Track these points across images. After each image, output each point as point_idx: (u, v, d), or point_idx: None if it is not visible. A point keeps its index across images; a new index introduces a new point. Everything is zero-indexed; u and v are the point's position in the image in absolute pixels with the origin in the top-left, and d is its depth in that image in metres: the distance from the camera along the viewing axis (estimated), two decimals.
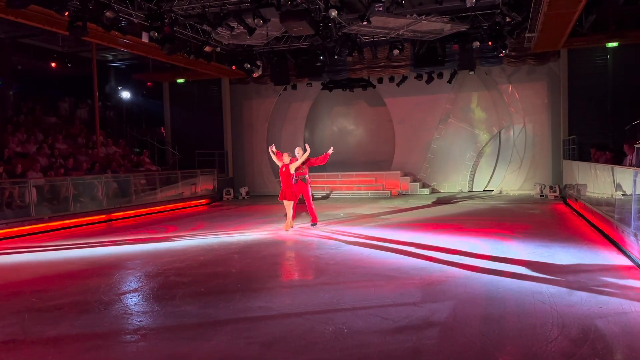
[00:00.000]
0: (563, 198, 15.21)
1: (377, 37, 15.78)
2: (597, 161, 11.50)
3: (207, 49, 14.82)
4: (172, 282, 6.64)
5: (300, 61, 17.43)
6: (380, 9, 11.69)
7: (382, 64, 17.47)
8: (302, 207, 11.35)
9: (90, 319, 5.17)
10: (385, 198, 17.57)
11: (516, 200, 15.34)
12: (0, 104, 17.00)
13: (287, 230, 10.29)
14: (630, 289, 5.63)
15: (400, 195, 18.32)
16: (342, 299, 5.55)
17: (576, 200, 12.44)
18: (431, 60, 16.38)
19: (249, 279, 6.85)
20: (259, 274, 7.05)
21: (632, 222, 6.68)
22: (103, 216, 13.18)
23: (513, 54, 15.87)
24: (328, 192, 19.09)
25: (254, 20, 11.54)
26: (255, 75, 17.05)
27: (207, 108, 20.08)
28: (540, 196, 16.14)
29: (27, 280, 7.00)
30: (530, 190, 16.87)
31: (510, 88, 17.46)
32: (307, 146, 10.36)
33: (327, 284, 6.27)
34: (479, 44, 14.67)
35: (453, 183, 19.04)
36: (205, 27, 13.56)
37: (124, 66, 21.67)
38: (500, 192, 17.46)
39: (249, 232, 10.69)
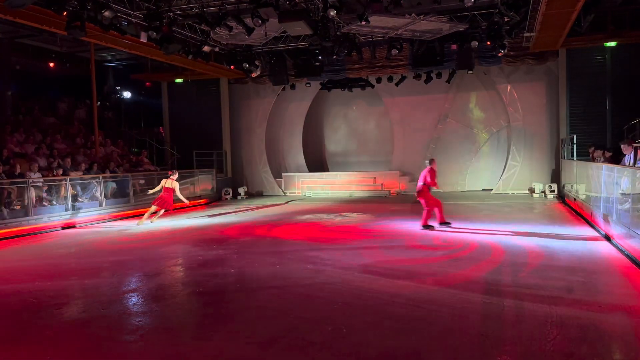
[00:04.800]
0: (562, 197, 15.23)
1: (375, 37, 15.78)
2: (595, 160, 11.53)
3: (205, 48, 14.80)
4: (171, 282, 6.64)
5: (298, 61, 17.42)
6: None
7: (380, 64, 17.46)
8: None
9: (89, 319, 5.16)
10: (385, 197, 17.59)
11: (515, 200, 15.34)
12: None
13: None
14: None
15: (399, 195, 18.33)
16: (341, 298, 5.56)
17: (575, 199, 12.46)
18: (430, 60, 16.37)
19: (247, 278, 6.86)
20: (258, 274, 7.05)
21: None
22: (102, 216, 13.16)
23: (511, 53, 15.87)
24: (327, 192, 19.08)
25: (252, 20, 11.53)
26: (253, 75, 17.04)
27: (205, 108, 20.06)
28: (539, 195, 16.16)
29: (24, 280, 7.00)
30: (529, 189, 16.88)
31: (508, 88, 17.46)
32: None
33: (326, 282, 6.27)
34: (477, 43, 14.66)
35: (451, 182, 19.03)
36: (203, 27, 13.55)
37: (122, 66, 21.65)
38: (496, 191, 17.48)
39: (248, 232, 10.69)
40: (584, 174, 11.47)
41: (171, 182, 12.55)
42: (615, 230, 7.94)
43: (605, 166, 9.23)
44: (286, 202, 16.85)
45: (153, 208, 12.44)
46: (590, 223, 10.01)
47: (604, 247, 7.89)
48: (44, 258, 8.62)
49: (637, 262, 6.56)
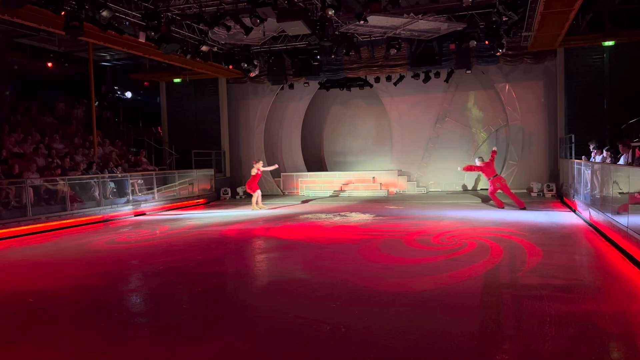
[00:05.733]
0: (560, 196, 15.26)
1: (374, 36, 15.80)
2: (593, 159, 11.57)
3: (204, 48, 14.80)
4: (170, 281, 6.64)
5: (297, 60, 17.42)
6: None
7: (379, 63, 17.47)
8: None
9: (88, 319, 5.17)
10: (384, 197, 17.60)
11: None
12: None
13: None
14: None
15: (397, 194, 18.33)
16: (339, 297, 5.56)
17: (572, 198, 12.49)
18: (428, 59, 16.40)
19: (246, 278, 6.86)
20: (257, 273, 7.06)
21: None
22: (100, 216, 13.16)
23: (510, 53, 15.89)
24: (326, 191, 19.08)
25: (250, 19, 11.52)
26: (252, 74, 17.03)
27: (204, 108, 20.06)
28: (537, 195, 16.19)
29: (23, 280, 6.99)
30: (527, 188, 16.92)
31: (507, 87, 17.48)
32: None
33: (325, 282, 6.28)
34: (475, 43, 14.67)
35: (450, 182, 19.05)
36: (202, 26, 13.54)
37: (120, 66, 21.62)
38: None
39: (247, 231, 10.69)
40: (581, 172, 11.52)
41: (255, 170, 14.49)
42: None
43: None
44: (286, 202, 16.87)
45: (255, 195, 14.66)
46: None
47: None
48: (43, 258, 8.62)
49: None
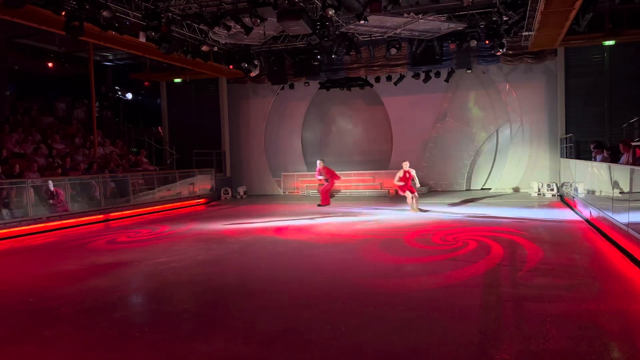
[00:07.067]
0: (560, 196, 15.25)
1: (374, 36, 15.80)
2: (594, 159, 11.56)
3: (204, 48, 14.81)
4: (170, 281, 6.64)
5: (297, 60, 17.42)
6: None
7: (379, 63, 17.47)
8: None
9: (88, 319, 5.16)
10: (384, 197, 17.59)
11: (513, 199, 15.35)
12: None
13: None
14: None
15: (397, 194, 18.31)
16: (340, 297, 5.56)
17: (573, 198, 12.48)
18: (428, 59, 16.40)
19: (246, 278, 6.86)
20: (257, 273, 7.06)
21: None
22: (101, 216, 13.16)
23: (510, 52, 15.88)
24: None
25: (251, 19, 11.53)
26: (252, 74, 17.04)
27: (204, 107, 20.07)
28: (538, 194, 16.18)
29: (23, 280, 6.99)
30: (528, 188, 16.91)
31: (507, 86, 17.47)
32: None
33: (325, 282, 6.28)
34: (476, 42, 14.67)
35: (450, 182, 19.04)
36: (202, 26, 13.56)
37: (121, 66, 21.64)
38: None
39: (247, 231, 10.69)
40: (582, 173, 11.53)
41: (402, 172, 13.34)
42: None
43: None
44: (289, 203, 16.86)
45: (408, 194, 13.33)
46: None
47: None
48: (44, 258, 8.62)
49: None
